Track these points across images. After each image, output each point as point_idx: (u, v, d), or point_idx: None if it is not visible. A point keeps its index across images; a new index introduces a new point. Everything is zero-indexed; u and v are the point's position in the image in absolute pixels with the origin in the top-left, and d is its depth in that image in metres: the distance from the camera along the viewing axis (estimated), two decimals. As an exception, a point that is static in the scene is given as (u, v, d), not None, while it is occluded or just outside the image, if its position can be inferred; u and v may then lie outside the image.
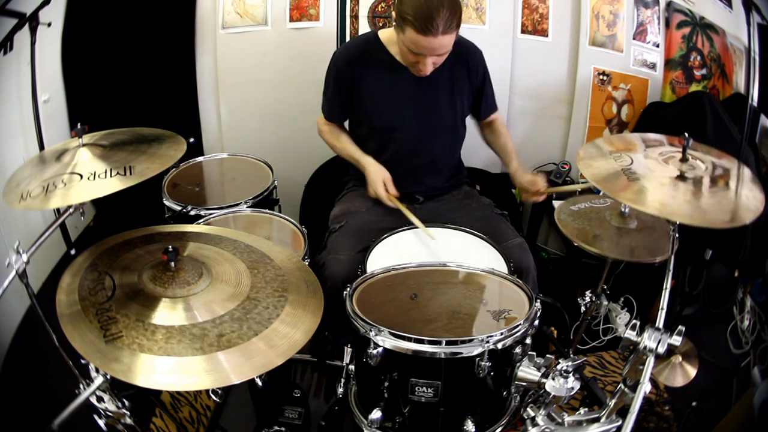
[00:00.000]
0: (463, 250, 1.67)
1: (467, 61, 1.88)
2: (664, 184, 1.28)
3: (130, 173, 1.19)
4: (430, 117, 1.88)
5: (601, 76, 2.62)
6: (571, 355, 1.50)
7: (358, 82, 1.88)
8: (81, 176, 1.18)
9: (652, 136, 1.55)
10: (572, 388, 1.22)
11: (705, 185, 1.29)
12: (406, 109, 1.86)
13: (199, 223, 1.81)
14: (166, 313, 1.03)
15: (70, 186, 1.15)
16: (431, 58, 1.65)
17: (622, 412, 1.16)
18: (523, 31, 2.59)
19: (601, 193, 2.35)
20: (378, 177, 1.84)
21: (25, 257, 1.04)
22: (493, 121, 2.06)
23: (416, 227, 1.76)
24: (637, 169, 1.33)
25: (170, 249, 1.10)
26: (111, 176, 1.18)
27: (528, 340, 1.36)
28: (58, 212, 1.27)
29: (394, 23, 1.67)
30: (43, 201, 1.12)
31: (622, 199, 1.31)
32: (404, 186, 1.96)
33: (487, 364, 1.26)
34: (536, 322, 1.36)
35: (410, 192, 1.98)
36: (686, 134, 1.36)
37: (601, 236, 1.69)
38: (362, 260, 1.63)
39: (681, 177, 1.30)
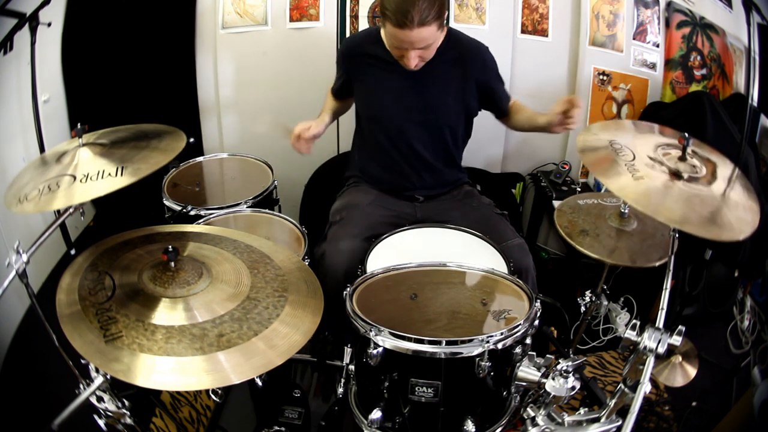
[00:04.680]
0: (463, 250, 1.67)
1: (471, 57, 1.87)
2: (664, 186, 1.27)
3: (131, 171, 1.18)
4: (427, 112, 1.88)
5: (601, 76, 2.62)
6: (571, 355, 1.50)
7: (356, 74, 1.91)
8: (83, 176, 1.17)
9: (644, 123, 1.54)
10: (572, 388, 1.22)
11: (704, 188, 1.28)
12: (401, 104, 1.87)
13: (199, 223, 1.81)
14: (166, 313, 1.03)
15: (70, 186, 1.15)
16: (415, 52, 1.66)
17: (622, 412, 1.16)
18: (523, 31, 2.59)
19: (603, 190, 2.35)
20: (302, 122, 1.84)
21: (25, 257, 1.04)
22: (510, 107, 2.00)
23: (417, 227, 1.77)
24: (638, 168, 1.32)
25: (170, 249, 1.09)
26: (114, 175, 1.17)
27: (528, 340, 1.36)
28: (58, 212, 1.26)
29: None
30: (45, 203, 1.12)
31: (622, 195, 1.30)
32: (403, 181, 1.97)
33: (487, 364, 1.25)
34: (536, 322, 1.36)
35: (410, 189, 1.99)
36: (686, 134, 1.35)
37: (588, 232, 1.70)
38: (363, 251, 1.64)
39: (678, 176, 1.29)
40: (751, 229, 1.18)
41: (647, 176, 1.25)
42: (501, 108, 1.98)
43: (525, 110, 1.97)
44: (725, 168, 1.37)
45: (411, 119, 1.88)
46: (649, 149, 1.36)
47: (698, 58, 2.53)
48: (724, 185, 1.30)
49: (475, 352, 1.25)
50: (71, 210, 1.22)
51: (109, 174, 1.17)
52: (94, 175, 1.17)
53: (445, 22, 1.69)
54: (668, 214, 1.16)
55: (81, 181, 1.15)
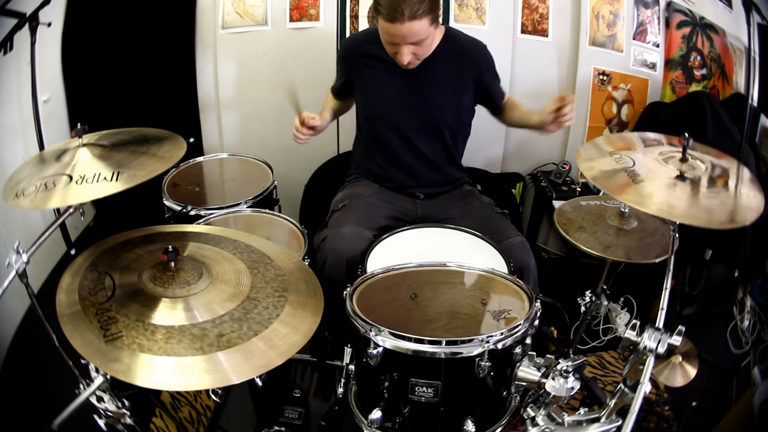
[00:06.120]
0: (463, 250, 1.67)
1: (469, 57, 1.88)
2: (667, 185, 1.28)
3: (127, 177, 1.18)
4: (426, 113, 1.88)
5: (601, 76, 2.62)
6: (571, 355, 1.50)
7: (356, 74, 1.92)
8: (79, 177, 1.17)
9: (652, 135, 1.55)
10: (572, 388, 1.22)
11: (705, 186, 1.29)
12: (400, 104, 1.87)
13: (199, 223, 1.81)
14: (166, 313, 1.03)
15: (66, 186, 1.15)
16: (407, 47, 1.66)
17: (622, 412, 1.16)
18: (523, 31, 2.59)
19: (601, 193, 2.35)
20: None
21: (25, 257, 1.04)
22: (504, 104, 2.03)
23: (417, 227, 1.77)
24: (639, 170, 1.33)
25: (170, 249, 1.09)
26: (109, 180, 1.17)
27: (528, 340, 1.36)
28: (58, 212, 1.26)
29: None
30: (40, 201, 1.12)
31: (624, 200, 1.31)
32: (400, 180, 1.97)
33: (487, 364, 1.25)
34: (536, 322, 1.36)
35: (409, 188, 1.99)
36: (686, 134, 1.36)
37: (586, 229, 1.72)
38: (365, 238, 1.64)
39: (681, 177, 1.30)
40: (756, 214, 1.21)
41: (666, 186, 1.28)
42: (496, 105, 1.99)
43: (519, 107, 1.98)
44: (734, 169, 1.39)
45: (410, 119, 1.88)
46: (656, 160, 1.38)
47: (698, 58, 2.53)
48: (734, 183, 1.32)
49: (475, 352, 1.25)
50: (71, 210, 1.22)
51: (105, 178, 1.16)
52: (90, 177, 1.16)
53: (440, 19, 1.69)
54: (695, 220, 1.20)
55: (77, 182, 1.15)
